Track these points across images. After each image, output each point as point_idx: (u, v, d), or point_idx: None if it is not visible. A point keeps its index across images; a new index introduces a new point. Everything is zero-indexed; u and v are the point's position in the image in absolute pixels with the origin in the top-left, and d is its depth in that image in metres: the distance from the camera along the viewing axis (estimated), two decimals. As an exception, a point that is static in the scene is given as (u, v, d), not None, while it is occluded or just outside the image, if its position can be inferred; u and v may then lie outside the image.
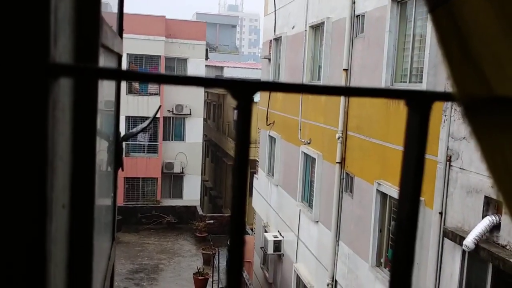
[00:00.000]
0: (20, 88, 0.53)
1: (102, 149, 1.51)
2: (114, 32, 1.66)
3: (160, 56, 27.40)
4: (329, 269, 11.64)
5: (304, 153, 13.60)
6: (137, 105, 26.71)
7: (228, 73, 33.87)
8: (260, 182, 18.48)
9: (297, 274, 13.92)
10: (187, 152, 28.48)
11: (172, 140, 28.61)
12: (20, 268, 0.58)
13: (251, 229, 21.69)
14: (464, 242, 6.49)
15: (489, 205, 6.56)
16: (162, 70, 27.30)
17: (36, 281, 0.59)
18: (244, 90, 0.49)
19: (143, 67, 27.52)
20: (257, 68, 32.92)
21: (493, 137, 0.50)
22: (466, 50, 0.49)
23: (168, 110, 27.72)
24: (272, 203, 16.86)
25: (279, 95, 15.81)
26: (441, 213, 7.45)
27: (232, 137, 26.68)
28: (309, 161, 13.53)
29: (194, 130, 28.83)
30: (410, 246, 0.53)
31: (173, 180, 28.73)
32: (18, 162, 0.56)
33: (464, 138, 7.02)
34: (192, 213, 25.76)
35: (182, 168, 28.37)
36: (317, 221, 12.66)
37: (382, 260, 9.59)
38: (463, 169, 7.05)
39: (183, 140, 28.77)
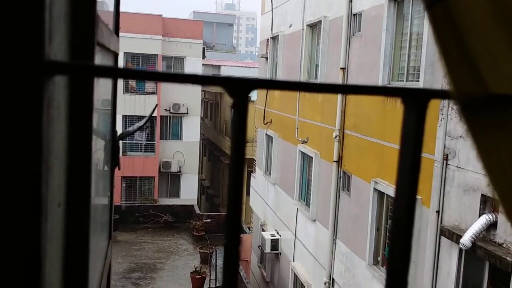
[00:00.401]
0: (14, 85, 0.53)
1: (99, 148, 1.51)
2: (110, 30, 1.66)
3: (157, 55, 27.39)
4: (326, 267, 11.65)
5: (301, 152, 13.61)
6: (134, 104, 26.68)
7: (225, 72, 33.83)
8: (258, 181, 18.48)
9: (294, 273, 13.94)
10: (184, 151, 28.47)
11: (169, 139, 28.60)
12: (15, 266, 0.58)
13: (248, 228, 21.70)
14: (461, 241, 6.51)
15: (486, 204, 6.58)
16: (159, 68, 27.26)
17: (31, 280, 0.59)
18: (240, 87, 0.49)
19: (140, 66, 27.48)
20: (254, 67, 32.91)
21: (490, 135, 0.50)
22: (462, 48, 0.49)
23: (165, 109, 27.71)
24: (269, 202, 16.87)
25: (276, 93, 15.82)
26: (438, 212, 7.46)
27: (229, 136, 26.66)
28: (306, 159, 13.54)
29: (191, 129, 28.82)
30: (406, 244, 0.53)
31: (171, 179, 28.73)
32: (13, 160, 0.55)
33: (461, 136, 7.03)
34: (190, 212, 25.76)
35: (180, 167, 28.36)
36: (314, 220, 12.67)
37: (379, 259, 9.61)
38: (460, 167, 7.06)
39: (180, 139, 28.76)
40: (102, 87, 1.58)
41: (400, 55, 9.10)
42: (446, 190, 7.33)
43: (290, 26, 14.98)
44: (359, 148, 10.34)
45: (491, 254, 6.16)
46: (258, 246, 16.93)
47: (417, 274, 8.06)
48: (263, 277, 17.14)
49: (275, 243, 15.43)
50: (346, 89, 0.60)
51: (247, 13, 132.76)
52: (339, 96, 10.73)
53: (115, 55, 1.97)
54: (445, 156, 7.33)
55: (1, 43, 0.53)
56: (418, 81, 8.17)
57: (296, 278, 13.89)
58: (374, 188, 9.45)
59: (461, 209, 7.01)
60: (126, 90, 26.82)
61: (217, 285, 17.79)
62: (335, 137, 11.16)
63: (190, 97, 28.18)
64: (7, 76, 0.53)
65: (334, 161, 11.26)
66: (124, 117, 25.98)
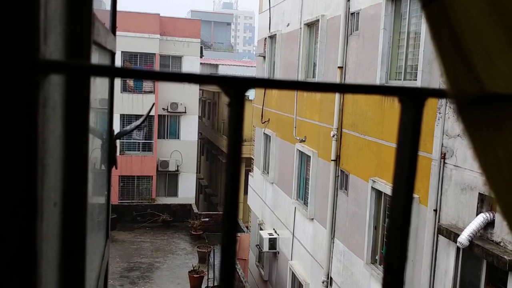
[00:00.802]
0: (9, 85, 0.53)
1: (96, 147, 1.51)
2: (107, 29, 1.65)
3: (154, 54, 27.36)
4: (324, 266, 11.66)
5: (299, 150, 13.62)
6: (131, 103, 26.66)
7: (223, 71, 33.82)
8: (255, 180, 18.49)
9: (292, 272, 13.95)
10: (182, 150, 28.46)
11: (167, 138, 28.59)
12: (10, 266, 0.57)
13: (246, 227, 21.71)
14: (459, 239, 6.52)
15: (483, 202, 6.59)
16: (157, 67, 27.24)
17: (27, 279, 0.59)
18: (236, 87, 0.49)
19: (138, 65, 27.45)
20: (252, 66, 32.92)
21: (486, 134, 0.50)
22: (458, 46, 0.49)
23: (163, 108, 27.70)
24: (267, 201, 16.87)
25: (274, 92, 15.82)
26: (435, 210, 7.48)
27: (227, 134, 26.56)
28: (304, 158, 13.55)
29: (189, 128, 28.80)
30: (403, 242, 0.53)
31: (168, 178, 28.72)
32: (7, 159, 0.55)
33: (458, 135, 7.04)
34: (187, 211, 25.75)
35: (177, 166, 28.35)
36: (312, 219, 12.68)
37: (377, 257, 9.62)
38: (457, 166, 7.07)
39: (178, 138, 28.75)
40: (99, 86, 1.57)
41: (397, 54, 9.10)
42: (444, 188, 7.34)
43: (288, 25, 14.98)
44: (356, 147, 10.35)
45: (488, 252, 6.18)
46: (256, 245, 16.93)
47: (414, 273, 8.07)
48: (261, 276, 17.15)
49: (273, 242, 15.44)
50: (343, 88, 0.60)
51: (245, 12, 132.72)
52: (337, 95, 10.74)
53: (112, 54, 1.96)
54: (442, 155, 7.34)
55: (-5, 42, 0.52)
56: (416, 80, 8.18)
57: (294, 277, 13.90)
58: (372, 187, 9.46)
59: (458, 208, 7.02)
60: (124, 89, 26.80)
61: (215, 284, 17.79)
62: (333, 136, 11.17)
63: (188, 96, 28.17)
64: (2, 75, 0.53)
65: (332, 160, 11.27)
66: (122, 116, 25.96)
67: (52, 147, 0.73)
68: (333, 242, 11.40)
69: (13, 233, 0.57)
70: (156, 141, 27.89)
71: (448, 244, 7.16)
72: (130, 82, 26.88)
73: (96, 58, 1.36)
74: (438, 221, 7.41)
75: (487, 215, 6.37)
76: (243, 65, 36.49)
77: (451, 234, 6.88)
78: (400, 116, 0.55)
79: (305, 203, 13.28)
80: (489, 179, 0.51)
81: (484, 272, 6.62)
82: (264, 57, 17.29)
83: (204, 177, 33.97)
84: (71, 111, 0.86)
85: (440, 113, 7.43)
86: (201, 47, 29.42)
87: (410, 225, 0.54)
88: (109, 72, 0.61)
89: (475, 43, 0.48)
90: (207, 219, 23.80)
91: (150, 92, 27.29)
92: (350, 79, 10.72)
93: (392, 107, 8.76)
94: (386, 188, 8.91)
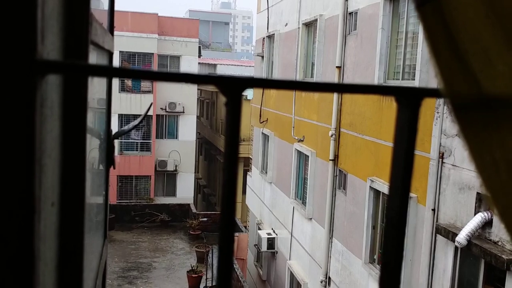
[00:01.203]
0: (6, 85, 0.53)
1: (94, 147, 1.51)
2: (104, 29, 1.65)
3: (153, 53, 27.35)
4: (322, 266, 11.67)
5: (298, 150, 13.62)
6: (129, 103, 26.65)
7: (221, 71, 33.81)
8: (254, 180, 18.49)
9: (290, 271, 13.96)
10: (181, 150, 28.45)
11: (165, 138, 28.58)
12: (8, 266, 0.58)
13: (245, 227, 21.71)
14: (457, 239, 6.53)
15: (481, 202, 6.60)
16: (155, 67, 27.23)
17: (25, 279, 0.59)
18: (233, 86, 0.49)
19: (136, 64, 27.43)
20: (250, 66, 32.91)
21: (482, 135, 0.50)
22: (454, 47, 0.49)
23: (161, 108, 27.69)
24: (265, 201, 16.88)
25: (273, 92, 15.82)
26: (433, 210, 7.49)
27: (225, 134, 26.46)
28: (302, 158, 13.55)
29: (187, 128, 28.79)
30: (399, 241, 0.53)
31: (167, 178, 28.70)
32: (5, 159, 0.55)
33: (456, 135, 7.05)
34: (186, 211, 25.74)
35: (176, 166, 28.34)
36: (311, 218, 12.69)
37: (375, 257, 9.63)
38: (455, 165, 7.08)
39: (176, 138, 28.74)
40: (97, 86, 1.57)
41: (395, 53, 9.11)
42: (442, 188, 7.35)
43: (286, 24, 14.99)
44: (355, 147, 10.36)
45: (486, 252, 6.19)
46: (255, 245, 16.94)
47: (413, 272, 8.08)
48: (259, 276, 17.16)
49: (271, 242, 15.45)
50: (340, 88, 0.61)
51: (243, 12, 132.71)
52: (335, 95, 10.75)
53: (110, 54, 1.96)
54: (440, 154, 7.35)
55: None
56: (414, 79, 8.19)
57: (292, 276, 13.91)
58: (370, 187, 9.47)
59: (456, 207, 7.03)
60: (122, 89, 26.78)
61: (213, 284, 17.79)
62: (331, 135, 11.18)
63: (186, 96, 28.16)
64: (-1, 75, 0.53)
65: (330, 160, 11.27)
66: (120, 116, 25.95)
67: (49, 147, 0.73)
68: (332, 242, 11.41)
69: (11, 233, 0.57)
70: (154, 141, 27.88)
71: (446, 244, 7.17)
72: (128, 82, 26.86)
73: (94, 58, 1.36)
74: (436, 221, 7.42)
75: (485, 214, 6.38)
76: (241, 65, 36.50)
77: (449, 234, 6.90)
78: (396, 115, 0.56)
79: (304, 203, 13.29)
80: (486, 181, 0.51)
81: (482, 271, 6.63)
82: (262, 56, 17.30)
83: (203, 177, 33.96)
84: (69, 111, 0.86)
85: (438, 112, 7.44)
86: (199, 47, 29.42)
87: (406, 225, 0.54)
88: (107, 72, 0.61)
89: (472, 43, 0.48)
90: (205, 219, 23.79)
91: (148, 92, 27.27)
92: (348, 78, 10.72)
93: (390, 106, 8.77)
94: (384, 187, 8.92)
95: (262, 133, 17.02)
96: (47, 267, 0.79)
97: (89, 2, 0.93)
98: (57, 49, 0.78)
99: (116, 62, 25.98)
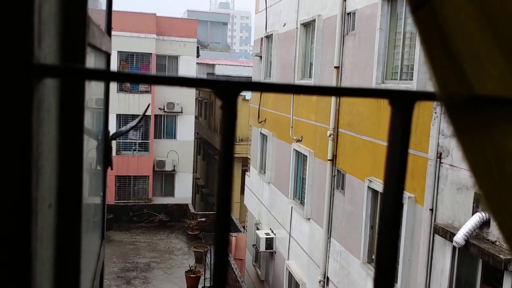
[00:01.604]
0: (3, 89, 0.53)
1: (91, 147, 1.51)
2: (102, 30, 1.66)
3: (151, 53, 27.33)
4: (321, 266, 11.68)
5: (296, 150, 13.63)
6: (128, 103, 26.62)
7: (220, 71, 33.80)
8: (252, 180, 18.49)
9: (289, 271, 13.96)
10: (179, 150, 28.44)
11: (163, 138, 28.56)
12: (5, 267, 0.58)
13: (243, 227, 21.70)
14: (455, 239, 6.54)
15: (479, 202, 6.61)
16: (153, 67, 27.23)
17: (22, 280, 0.59)
18: (228, 90, 0.50)
19: (134, 65, 27.42)
20: (248, 66, 32.90)
21: (475, 136, 0.51)
22: (447, 49, 0.50)
23: (159, 108, 27.67)
24: (264, 201, 16.88)
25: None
26: (431, 210, 7.50)
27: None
28: (300, 158, 13.56)
29: (186, 128, 28.78)
30: (393, 241, 0.54)
31: (165, 178, 28.68)
32: (2, 161, 0.55)
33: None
34: (184, 211, 25.73)
35: (174, 166, 28.32)
36: (309, 218, 12.70)
37: (373, 257, 9.64)
38: (453, 166, 7.10)
39: (174, 138, 28.72)
40: (94, 86, 1.58)
41: (393, 54, 9.12)
42: (440, 188, 7.36)
43: (284, 25, 14.99)
44: (353, 147, 10.37)
45: (484, 251, 6.20)
46: (253, 245, 16.94)
47: (411, 272, 8.09)
48: (257, 276, 17.16)
49: (269, 242, 15.45)
50: (335, 91, 0.61)
51: (241, 12, 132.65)
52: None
53: (107, 56, 1.96)
54: (438, 155, 7.36)
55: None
56: (412, 80, 8.20)
57: (290, 276, 13.91)
58: (368, 187, 9.48)
59: (454, 207, 7.05)
60: (120, 89, 26.75)
61: (212, 284, 17.79)
62: (329, 135, 11.19)
63: (184, 96, 28.15)
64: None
65: (328, 160, 11.28)
66: (118, 116, 25.92)
67: (46, 149, 0.74)
68: (330, 242, 11.42)
69: (9, 234, 0.57)
70: (152, 141, 27.86)
71: (444, 244, 7.18)
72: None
73: (91, 60, 1.36)
74: (434, 221, 7.43)
75: (483, 214, 6.39)
76: (240, 65, 36.48)
77: (447, 234, 6.91)
78: (390, 118, 0.56)
79: (302, 203, 13.30)
80: (479, 180, 0.52)
81: (480, 271, 6.64)
82: (261, 57, 17.30)
83: (201, 177, 33.95)
84: (66, 113, 0.86)
85: (436, 113, 7.45)
86: (198, 47, 29.40)
87: (400, 225, 0.54)
88: (104, 76, 0.62)
89: (464, 46, 0.49)
90: (203, 219, 23.79)
91: (147, 92, 27.25)
92: (347, 79, 10.74)
93: (388, 107, 8.76)
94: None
95: (261, 133, 17.02)
96: (44, 268, 0.80)
97: (86, 4, 0.94)
98: (54, 52, 0.79)
99: (114, 62, 25.97)
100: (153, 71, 26.72)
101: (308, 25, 13.21)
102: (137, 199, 27.28)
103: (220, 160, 0.50)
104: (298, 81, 13.28)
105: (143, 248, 22.12)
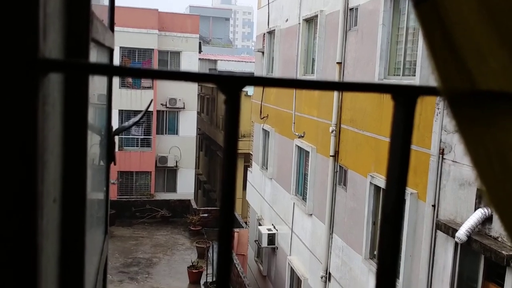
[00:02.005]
0: (9, 83, 0.54)
1: (94, 143, 1.52)
2: (105, 26, 1.66)
3: (153, 49, 27.30)
4: (323, 261, 11.70)
5: (298, 146, 13.63)
6: (130, 98, 26.63)
7: (222, 67, 33.78)
8: (254, 176, 18.50)
9: (291, 267, 13.99)
10: (181, 146, 28.45)
11: (165, 134, 28.57)
12: (12, 261, 0.59)
13: (245, 223, 21.74)
14: (457, 234, 6.54)
15: (482, 198, 6.61)
16: (155, 63, 27.21)
17: (28, 273, 0.60)
18: (231, 85, 0.50)
19: (136, 60, 27.40)
20: (250, 61, 32.86)
21: (477, 130, 0.51)
22: (449, 44, 0.50)
23: (161, 104, 27.66)
24: (266, 197, 16.89)
25: (273, 88, 15.81)
26: (434, 206, 7.49)
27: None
28: (303, 154, 13.56)
29: (188, 123, 28.78)
30: (395, 237, 0.54)
31: (167, 174, 28.71)
32: (8, 156, 0.56)
33: (456, 130, 7.05)
34: (186, 207, 25.76)
35: (176, 162, 28.34)
36: (311, 214, 12.70)
37: (375, 253, 9.65)
38: (455, 161, 7.09)
39: (176, 134, 28.73)
40: (97, 82, 1.58)
41: (396, 49, 9.10)
42: (442, 184, 7.36)
43: (287, 20, 14.96)
44: (355, 143, 10.36)
45: (486, 247, 6.20)
46: (255, 241, 16.97)
47: (413, 268, 8.10)
48: (260, 272, 17.19)
49: (272, 238, 15.47)
50: (337, 86, 0.61)
51: (244, 8, 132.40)
52: (335, 91, 10.73)
53: (110, 51, 1.97)
54: (441, 150, 7.35)
55: (-5, 41, 0.53)
56: (415, 75, 8.18)
57: (292, 272, 13.94)
58: (370, 183, 9.48)
59: (457, 203, 7.04)
60: (123, 84, 26.75)
61: (214, 279, 17.83)
62: (332, 131, 11.18)
63: (186, 92, 28.14)
64: (2, 74, 0.54)
65: (330, 156, 11.28)
66: (121, 112, 25.94)
67: (52, 144, 0.74)
68: (332, 238, 11.43)
69: (14, 228, 0.58)
70: (154, 137, 27.88)
71: (446, 239, 7.18)
72: (129, 78, 26.83)
73: (95, 55, 1.37)
74: (437, 217, 7.43)
75: (485, 210, 6.39)
76: (242, 61, 36.45)
77: (449, 229, 6.91)
78: (393, 113, 0.56)
79: (304, 199, 13.30)
80: (480, 174, 0.52)
81: (482, 267, 6.64)
82: (263, 52, 17.27)
83: (203, 173, 33.98)
84: (70, 108, 0.87)
85: (438, 108, 7.44)
86: (200, 43, 29.36)
87: (401, 221, 0.55)
88: (108, 70, 0.62)
89: (466, 40, 0.49)
90: (206, 215, 23.82)
91: (149, 87, 27.25)
92: (349, 74, 10.72)
93: (391, 103, 8.74)
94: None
95: (263, 129, 17.02)
96: (49, 262, 0.80)
97: (90, 0, 0.94)
98: (59, 47, 0.79)
99: (116, 58, 25.96)
100: (155, 66, 26.72)
101: (310, 21, 13.18)
102: (139, 194, 27.32)
103: (224, 154, 0.50)
104: (301, 77, 13.27)
105: (146, 243, 22.17)
